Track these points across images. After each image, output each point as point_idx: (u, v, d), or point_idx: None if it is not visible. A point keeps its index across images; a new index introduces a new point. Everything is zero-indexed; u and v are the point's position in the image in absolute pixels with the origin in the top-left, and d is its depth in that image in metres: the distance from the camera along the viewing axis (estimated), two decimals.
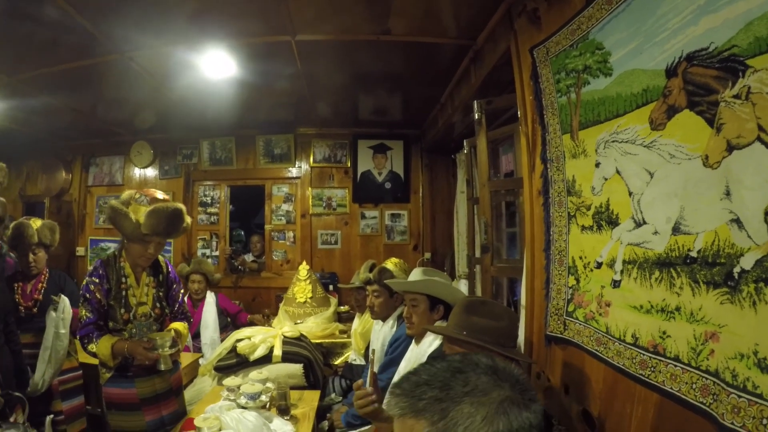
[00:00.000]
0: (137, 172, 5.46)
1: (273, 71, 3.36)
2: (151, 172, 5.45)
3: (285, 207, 5.34)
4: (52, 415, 1.88)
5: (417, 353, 2.27)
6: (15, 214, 4.96)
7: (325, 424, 2.73)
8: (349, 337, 3.86)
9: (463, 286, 3.88)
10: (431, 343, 2.21)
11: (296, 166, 5.32)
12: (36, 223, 2.93)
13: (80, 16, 2.47)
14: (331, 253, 5.28)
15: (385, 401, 0.82)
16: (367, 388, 1.69)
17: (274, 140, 5.28)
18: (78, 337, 2.29)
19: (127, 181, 5.42)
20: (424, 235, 5.27)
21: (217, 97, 3.87)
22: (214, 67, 3.16)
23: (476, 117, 2.85)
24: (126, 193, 2.36)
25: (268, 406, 2.40)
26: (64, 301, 2.85)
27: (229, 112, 4.48)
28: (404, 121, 4.95)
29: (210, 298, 4.32)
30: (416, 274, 2.46)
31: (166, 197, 2.39)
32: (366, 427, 2.19)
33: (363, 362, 3.36)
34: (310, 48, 2.98)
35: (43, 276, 2.99)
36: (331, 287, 4.86)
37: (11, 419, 1.79)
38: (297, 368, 3.13)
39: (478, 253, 3.33)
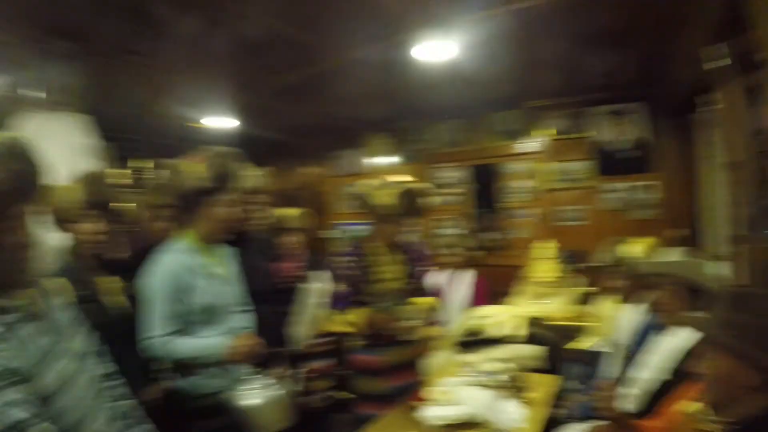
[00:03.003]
0: (375, 161, 6.07)
1: (494, 46, 3.28)
2: (388, 160, 5.99)
3: (523, 183, 5.25)
4: (304, 369, 2.25)
5: (670, 346, 2.02)
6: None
7: (561, 410, 2.62)
8: (594, 321, 3.61)
9: (722, 270, 3.25)
10: (688, 337, 1.93)
11: (531, 140, 5.18)
12: (294, 211, 3.46)
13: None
14: (574, 230, 4.96)
15: None
16: (611, 386, 1.58)
17: (505, 116, 5.25)
18: (334, 308, 2.67)
19: (366, 170, 6.01)
20: (676, 209, 4.56)
21: (440, 80, 3.98)
22: (435, 52, 3.23)
23: (728, 65, 2.33)
24: (376, 180, 2.66)
25: (505, 386, 2.40)
26: (321, 276, 3.23)
27: (454, 93, 4.59)
28: (641, 81, 4.38)
29: (469, 277, 4.28)
30: (672, 255, 2.16)
31: (412, 180, 2.65)
32: (602, 423, 2.05)
33: (607, 350, 3.11)
34: (527, 16, 2.84)
35: (301, 256, 3.42)
36: (576, 266, 4.53)
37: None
38: (539, 350, 3.05)
39: (743, 231, 2.75)
